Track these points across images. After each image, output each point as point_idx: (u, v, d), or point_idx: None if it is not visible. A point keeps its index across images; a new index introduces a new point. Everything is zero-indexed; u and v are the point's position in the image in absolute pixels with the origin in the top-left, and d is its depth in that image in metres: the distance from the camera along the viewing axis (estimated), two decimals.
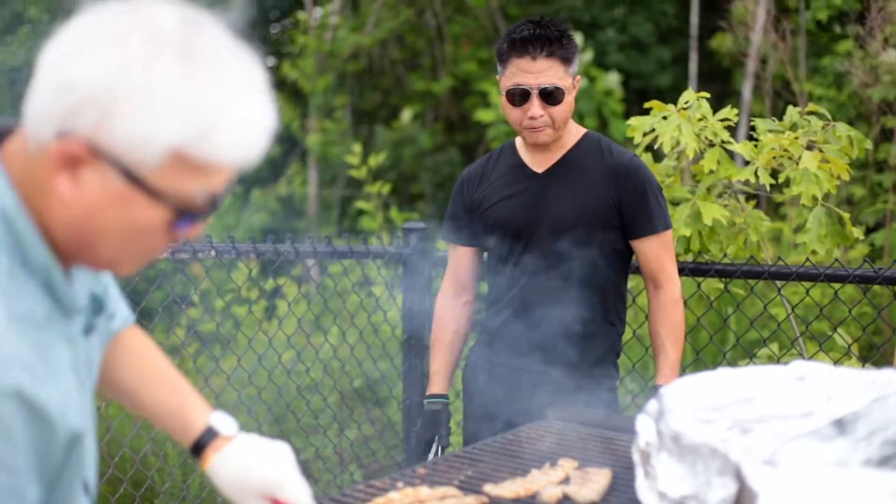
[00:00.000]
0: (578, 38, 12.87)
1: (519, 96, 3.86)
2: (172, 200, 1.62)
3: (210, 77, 1.58)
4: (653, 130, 4.63)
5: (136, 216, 1.62)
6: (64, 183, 1.60)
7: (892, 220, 8.13)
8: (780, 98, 10.48)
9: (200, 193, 1.63)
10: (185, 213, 1.64)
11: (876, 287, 6.40)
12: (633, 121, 4.69)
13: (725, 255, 4.71)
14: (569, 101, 3.91)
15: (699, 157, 4.63)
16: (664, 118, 4.61)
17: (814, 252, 4.45)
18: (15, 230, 1.63)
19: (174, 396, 2.24)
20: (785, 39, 9.73)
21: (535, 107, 3.85)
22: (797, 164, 4.40)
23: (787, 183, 4.53)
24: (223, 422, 2.23)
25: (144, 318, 4.59)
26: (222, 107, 1.58)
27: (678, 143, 4.57)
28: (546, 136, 3.92)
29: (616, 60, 15.01)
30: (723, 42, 11.72)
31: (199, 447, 2.20)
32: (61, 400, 1.64)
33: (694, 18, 14.07)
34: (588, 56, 12.62)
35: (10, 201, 1.64)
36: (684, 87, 4.85)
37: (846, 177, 4.39)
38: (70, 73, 1.56)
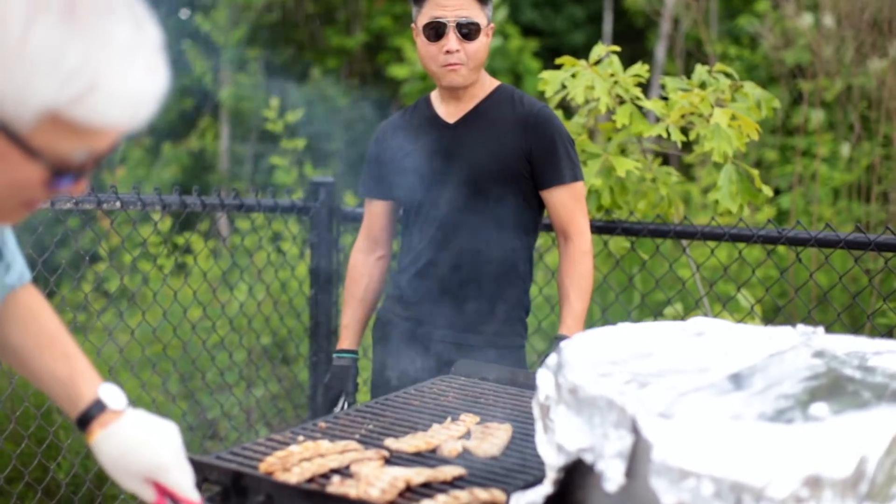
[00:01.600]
0: None
1: (435, 31, 3.87)
2: (49, 159, 1.58)
3: (93, 36, 1.52)
4: (564, 87, 4.64)
5: (12, 172, 1.58)
6: None
7: (800, 183, 8.24)
8: (693, 59, 10.55)
9: (79, 154, 1.59)
10: (62, 171, 1.60)
11: (781, 249, 6.50)
12: (545, 74, 4.69)
13: (633, 214, 4.74)
14: (484, 41, 3.92)
15: (610, 114, 4.65)
16: (574, 75, 4.62)
17: (728, 211, 4.48)
18: None
19: (63, 364, 2.17)
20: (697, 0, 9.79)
21: (452, 41, 3.85)
22: (708, 121, 4.43)
23: (698, 141, 4.56)
24: (112, 395, 2.17)
25: (50, 273, 4.50)
26: (103, 68, 1.53)
27: (588, 99, 4.58)
28: (461, 77, 3.92)
29: (530, 18, 15.00)
30: (636, 2, 11.77)
31: (85, 420, 2.14)
32: None
33: None
34: (502, 13, 12.60)
35: None
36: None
37: (755, 135, 4.43)
38: None
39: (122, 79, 1.55)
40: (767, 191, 4.50)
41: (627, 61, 4.79)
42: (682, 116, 4.53)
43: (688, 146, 4.77)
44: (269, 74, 15.15)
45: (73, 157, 1.59)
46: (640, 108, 4.62)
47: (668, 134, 4.47)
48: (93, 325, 6.26)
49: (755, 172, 4.50)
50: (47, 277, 4.49)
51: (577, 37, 15.07)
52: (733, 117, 4.44)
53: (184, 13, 17.14)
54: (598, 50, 4.69)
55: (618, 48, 4.74)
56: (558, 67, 4.70)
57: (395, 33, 14.33)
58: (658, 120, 4.58)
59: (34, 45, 1.48)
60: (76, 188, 1.65)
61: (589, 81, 4.54)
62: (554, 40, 15.04)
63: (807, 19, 8.40)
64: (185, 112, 14.99)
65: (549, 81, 4.64)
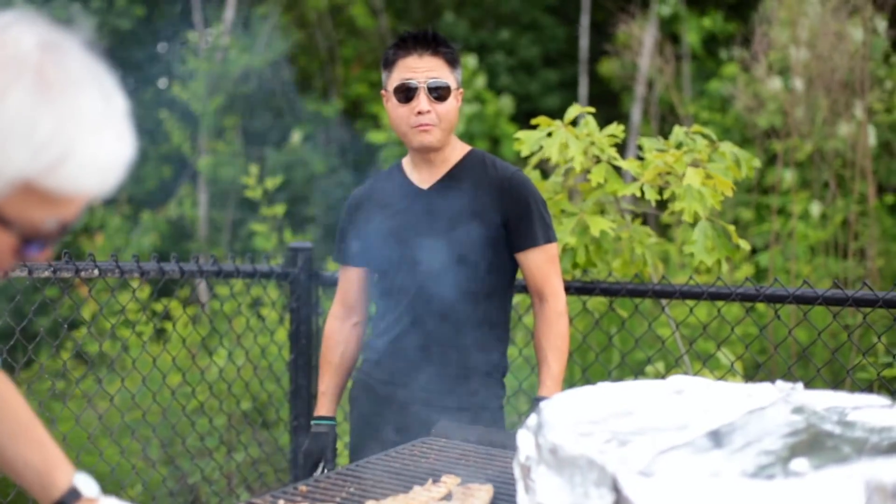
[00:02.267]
0: (473, 59, 12.98)
1: (405, 93, 3.90)
2: (20, 228, 1.59)
3: (64, 106, 1.54)
4: (541, 148, 4.67)
5: None
6: None
7: (777, 241, 8.30)
8: (666, 122, 10.66)
9: (49, 222, 1.61)
10: (32, 239, 1.61)
11: (760, 306, 6.53)
12: (521, 134, 4.71)
13: (611, 274, 4.75)
14: (454, 104, 3.95)
15: (587, 173, 4.68)
16: (550, 134, 4.65)
17: (707, 269, 4.51)
18: None
19: (37, 452, 2.17)
20: (669, 63, 9.90)
21: (423, 101, 3.88)
22: (682, 181, 4.46)
23: (673, 200, 4.59)
24: (86, 484, 2.19)
25: (28, 340, 4.48)
26: (74, 138, 1.55)
27: (565, 159, 4.61)
28: (433, 138, 3.93)
29: (505, 83, 15.14)
30: (610, 67, 11.89)
31: None
32: None
33: (584, 42, 14.25)
34: (481, 81, 12.71)
35: None
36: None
37: (729, 193, 4.46)
38: None
39: (93, 148, 1.56)
40: (745, 245, 4.53)
41: (603, 123, 4.83)
42: (659, 175, 4.56)
43: (664, 205, 4.79)
44: (247, 142, 15.21)
45: (43, 225, 1.60)
46: (616, 167, 4.65)
47: (643, 193, 4.50)
48: (72, 392, 6.23)
49: (731, 228, 4.53)
50: (25, 345, 4.47)
51: (551, 100, 15.22)
52: (708, 176, 4.47)
53: (161, 83, 17.24)
54: (574, 110, 4.73)
55: (592, 109, 4.78)
56: (534, 128, 4.73)
57: (372, 100, 14.45)
58: (635, 180, 4.61)
59: (7, 115, 1.50)
60: (42, 255, 1.66)
61: (563, 140, 4.57)
62: (529, 104, 15.18)
63: (776, 83, 8.50)
64: (164, 180, 15.01)
65: (525, 141, 4.67)
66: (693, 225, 4.56)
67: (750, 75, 8.97)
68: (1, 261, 1.64)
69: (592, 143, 4.63)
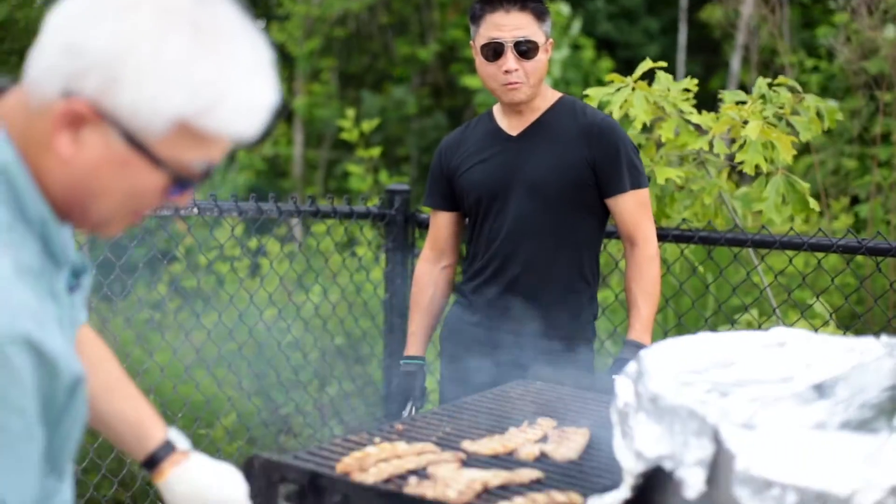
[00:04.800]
0: (566, 7, 12.85)
1: (493, 51, 3.90)
2: (172, 168, 1.65)
3: (219, 52, 1.61)
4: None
5: (135, 180, 1.66)
6: (65, 142, 1.62)
7: (879, 193, 8.14)
8: (768, 70, 10.46)
9: (199, 163, 1.67)
10: (181, 180, 1.68)
11: (859, 258, 6.42)
12: (590, 91, 4.70)
13: (710, 223, 4.70)
14: (542, 58, 3.94)
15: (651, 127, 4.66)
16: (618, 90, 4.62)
17: (770, 221, 4.46)
18: (13, 184, 1.65)
19: (132, 407, 2.23)
20: (774, 12, 9.71)
21: (510, 60, 3.87)
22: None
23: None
24: (179, 438, 2.25)
25: (126, 273, 4.56)
26: (229, 82, 1.62)
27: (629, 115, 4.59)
28: (522, 94, 3.94)
29: (604, 30, 14.98)
30: (713, 14, 11.69)
31: (154, 460, 2.21)
32: (64, 347, 1.65)
33: None
34: (577, 26, 12.59)
35: (9, 156, 1.65)
36: (673, 58, 4.85)
37: (789, 157, 4.38)
38: (80, 37, 1.58)
39: (246, 92, 1.64)
40: (815, 205, 4.46)
41: (703, 72, 4.78)
42: (732, 129, 4.50)
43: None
44: (343, 83, 15.25)
45: (193, 165, 1.67)
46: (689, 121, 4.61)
47: (711, 146, 4.46)
48: (168, 323, 6.32)
49: (805, 186, 4.46)
50: (124, 278, 4.56)
51: (651, 49, 15.03)
52: (786, 127, 4.40)
53: (258, 24, 17.30)
54: (645, 65, 4.68)
55: (664, 64, 4.73)
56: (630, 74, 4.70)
57: (467, 44, 14.37)
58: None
59: (165, 60, 1.57)
60: (184, 198, 1.73)
61: (625, 97, 4.54)
62: (628, 52, 15.01)
63: (889, 31, 8.29)
64: None
65: (594, 98, 4.65)
66: (758, 176, 4.50)
67: (858, 24, 8.75)
68: (147, 201, 1.70)
69: (664, 98, 4.58)
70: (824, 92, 9.33)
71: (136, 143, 1.61)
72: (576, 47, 12.88)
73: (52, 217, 1.70)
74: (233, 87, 1.62)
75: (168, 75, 1.57)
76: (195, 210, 4.39)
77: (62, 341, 1.66)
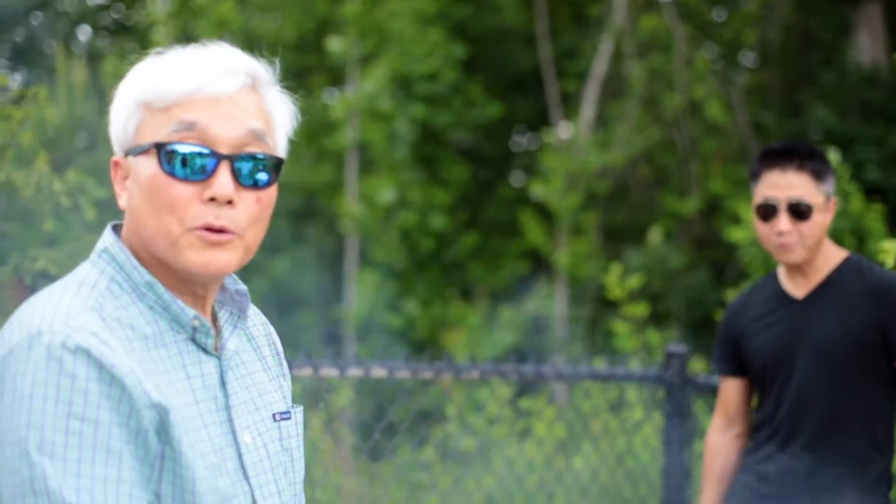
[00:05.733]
0: (834, 154, 12.59)
1: (767, 211, 3.84)
2: (151, 143, 1.77)
3: (164, 57, 1.84)
4: None
5: (141, 178, 1.78)
6: (121, 197, 1.85)
7: None
8: None
9: (170, 127, 1.76)
10: (164, 149, 1.76)
11: None
12: (887, 244, 4.54)
13: None
14: (820, 219, 3.84)
15: None
16: None
17: None
18: (116, 259, 1.80)
19: None
20: None
21: (783, 222, 3.80)
22: None
23: None
24: None
25: (395, 434, 4.63)
26: (165, 63, 1.82)
27: None
28: (796, 256, 3.85)
29: (873, 178, 14.60)
30: None
31: None
32: (137, 373, 1.68)
33: None
34: (845, 175, 12.30)
35: (110, 238, 1.83)
36: None
37: None
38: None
39: (182, 58, 1.82)
40: None
41: None
42: None
43: None
44: (605, 238, 15.31)
45: (167, 132, 1.77)
46: None
47: None
48: (443, 486, 6.36)
49: None
50: (397, 436, 4.64)
51: None
52: None
53: (517, 179, 17.65)
54: None
55: None
56: None
57: (731, 196, 14.24)
58: None
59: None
60: (212, 184, 1.77)
61: None
62: None
63: None
64: (521, 276, 15.31)
65: (890, 252, 4.48)
66: None
67: None
68: (168, 195, 1.77)
69: None
70: None
71: (128, 152, 1.82)
72: (843, 195, 12.59)
73: (156, 280, 1.79)
74: (173, 61, 1.81)
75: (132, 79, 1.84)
76: (476, 373, 4.44)
77: (154, 379, 1.71)
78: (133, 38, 18.25)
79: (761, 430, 4.01)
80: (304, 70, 16.47)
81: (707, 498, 4.16)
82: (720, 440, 4.19)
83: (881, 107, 15.59)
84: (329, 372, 4.15)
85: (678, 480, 4.88)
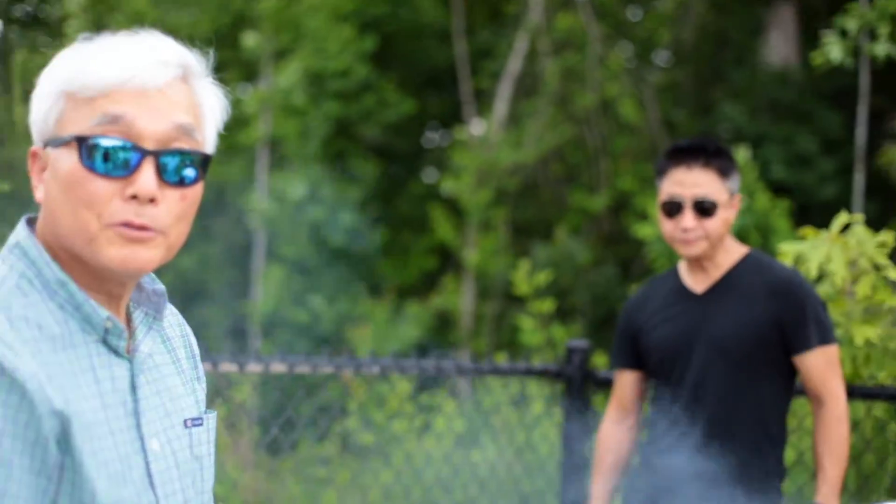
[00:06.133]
0: (745, 152, 12.75)
1: (673, 208, 3.86)
2: (70, 136, 1.70)
3: (84, 45, 1.76)
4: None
5: (59, 171, 1.71)
6: (38, 190, 1.78)
7: None
8: None
9: (93, 120, 1.69)
10: (85, 143, 1.69)
11: None
12: (785, 246, 4.59)
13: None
14: (724, 216, 3.87)
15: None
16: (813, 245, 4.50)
17: None
18: (29, 257, 1.73)
19: None
20: None
21: (688, 219, 3.82)
22: None
23: None
24: None
25: (289, 427, 4.60)
26: (92, 51, 1.73)
27: (827, 272, 4.45)
28: (698, 249, 3.87)
29: (780, 175, 14.82)
30: (891, 158, 11.45)
31: None
32: (40, 377, 1.61)
33: (860, 132, 13.81)
34: (752, 174, 12.46)
35: (24, 232, 1.77)
36: (848, 201, 4.73)
37: None
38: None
39: (105, 51, 1.73)
40: None
41: (879, 216, 4.64)
42: None
43: None
44: (514, 235, 15.36)
45: (87, 125, 1.70)
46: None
47: None
48: (341, 481, 6.33)
49: None
50: (287, 433, 4.60)
51: (827, 190, 14.81)
52: None
53: (429, 176, 17.67)
54: (842, 219, 4.55)
55: (860, 217, 4.59)
56: (806, 219, 4.58)
57: (640, 193, 14.37)
58: None
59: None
60: (134, 181, 1.70)
61: (824, 254, 4.41)
62: (803, 196, 14.79)
63: None
64: (428, 272, 15.32)
65: (788, 254, 4.53)
66: None
67: None
68: (85, 189, 1.70)
69: (861, 254, 4.44)
70: None
71: (47, 143, 1.74)
72: (749, 194, 12.74)
73: (69, 279, 1.72)
74: (95, 53, 1.73)
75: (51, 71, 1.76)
76: (376, 368, 4.43)
77: (59, 382, 1.64)
78: (46, 32, 17.97)
79: (657, 423, 4.02)
80: (218, 65, 16.33)
81: (597, 488, 4.17)
82: (613, 432, 4.19)
83: (790, 106, 15.84)
84: (229, 368, 4.10)
85: (577, 474, 4.89)
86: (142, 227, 1.69)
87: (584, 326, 14.08)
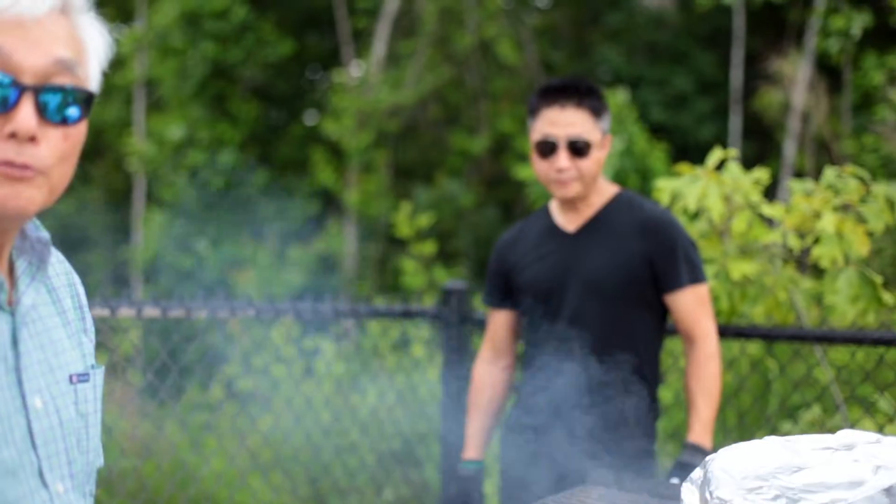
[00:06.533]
0: (624, 94, 12.89)
1: (546, 148, 3.86)
2: None
3: None
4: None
5: None
6: None
7: None
8: (824, 154, 10.38)
9: None
10: None
11: None
12: (661, 183, 4.65)
13: (770, 319, 4.62)
14: (597, 156, 3.90)
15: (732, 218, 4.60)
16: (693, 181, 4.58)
17: (842, 315, 4.37)
18: None
19: None
20: (823, 99, 9.66)
21: (562, 159, 3.83)
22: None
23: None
24: None
25: (182, 376, 4.56)
26: None
27: (705, 207, 4.53)
28: (573, 191, 3.89)
29: (658, 117, 15.00)
30: (771, 101, 11.63)
31: None
32: None
33: (736, 74, 14.04)
34: (631, 117, 12.61)
35: None
36: (725, 142, 4.83)
37: (864, 249, 4.30)
38: None
39: None
40: (890, 299, 4.36)
41: (757, 156, 4.75)
42: (808, 220, 4.44)
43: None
44: (395, 177, 15.34)
45: None
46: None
47: (785, 239, 4.40)
48: (223, 427, 6.32)
49: (878, 279, 4.37)
50: (178, 379, 4.56)
51: (704, 131, 15.03)
52: (860, 221, 4.33)
53: (309, 118, 17.53)
54: (717, 155, 4.63)
55: (734, 153, 4.68)
56: (683, 160, 4.67)
57: (519, 134, 14.43)
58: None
59: None
60: (13, 118, 1.57)
61: (701, 190, 4.49)
62: (680, 137, 15.01)
63: None
64: (311, 216, 15.25)
65: (665, 190, 4.60)
66: (838, 270, 4.42)
67: None
68: None
69: (736, 190, 4.54)
70: (884, 173, 9.21)
71: None
72: (628, 136, 12.89)
73: None
74: None
75: None
76: (252, 312, 4.39)
77: None
78: None
79: (531, 360, 4.05)
80: (91, 4, 15.97)
81: (472, 428, 4.20)
82: (487, 372, 4.23)
83: (667, 48, 16.01)
84: (101, 312, 3.99)
85: (456, 416, 4.94)
86: (24, 166, 1.57)
87: (467, 269, 14.16)
